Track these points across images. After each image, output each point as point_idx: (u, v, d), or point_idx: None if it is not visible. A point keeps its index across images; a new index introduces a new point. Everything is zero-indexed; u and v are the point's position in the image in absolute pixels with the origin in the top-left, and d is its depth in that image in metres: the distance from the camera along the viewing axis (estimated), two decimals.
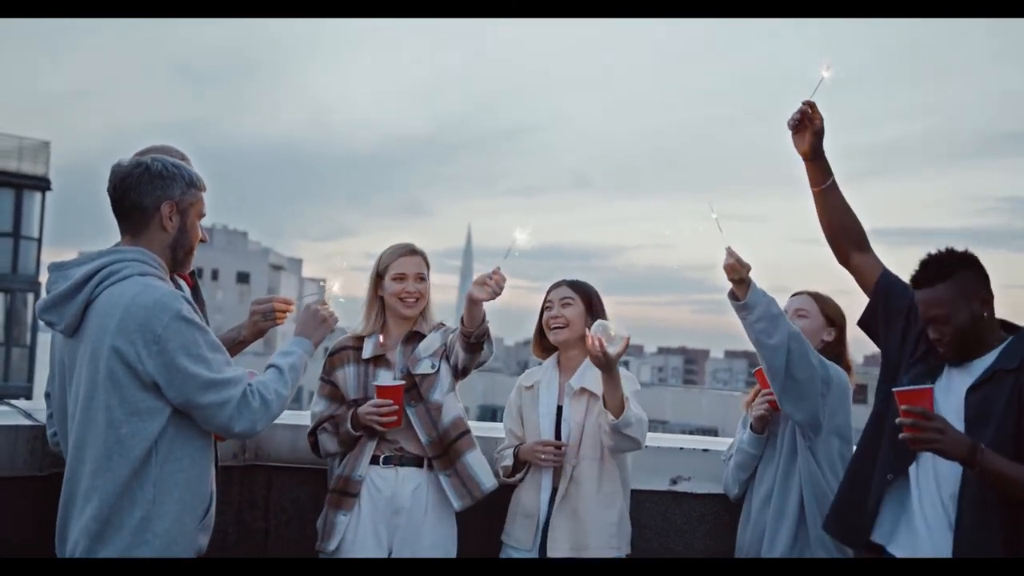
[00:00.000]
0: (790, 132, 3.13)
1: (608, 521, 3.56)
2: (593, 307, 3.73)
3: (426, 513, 3.56)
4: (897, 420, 2.71)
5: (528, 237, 3.38)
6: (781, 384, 3.30)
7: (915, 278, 2.91)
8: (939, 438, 2.65)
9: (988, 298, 2.89)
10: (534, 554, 3.60)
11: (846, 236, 3.17)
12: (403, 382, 3.54)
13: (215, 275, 66.20)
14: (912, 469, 2.93)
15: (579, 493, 3.56)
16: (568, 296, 3.71)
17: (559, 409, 3.68)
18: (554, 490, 3.62)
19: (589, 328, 3.48)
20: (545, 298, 3.78)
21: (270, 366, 2.80)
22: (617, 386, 3.40)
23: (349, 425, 3.54)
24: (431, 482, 3.58)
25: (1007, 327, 2.96)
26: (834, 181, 3.14)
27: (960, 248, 2.92)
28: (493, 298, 3.40)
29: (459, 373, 3.65)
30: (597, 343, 3.32)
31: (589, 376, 3.66)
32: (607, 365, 3.35)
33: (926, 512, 2.88)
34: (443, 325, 3.72)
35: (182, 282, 3.30)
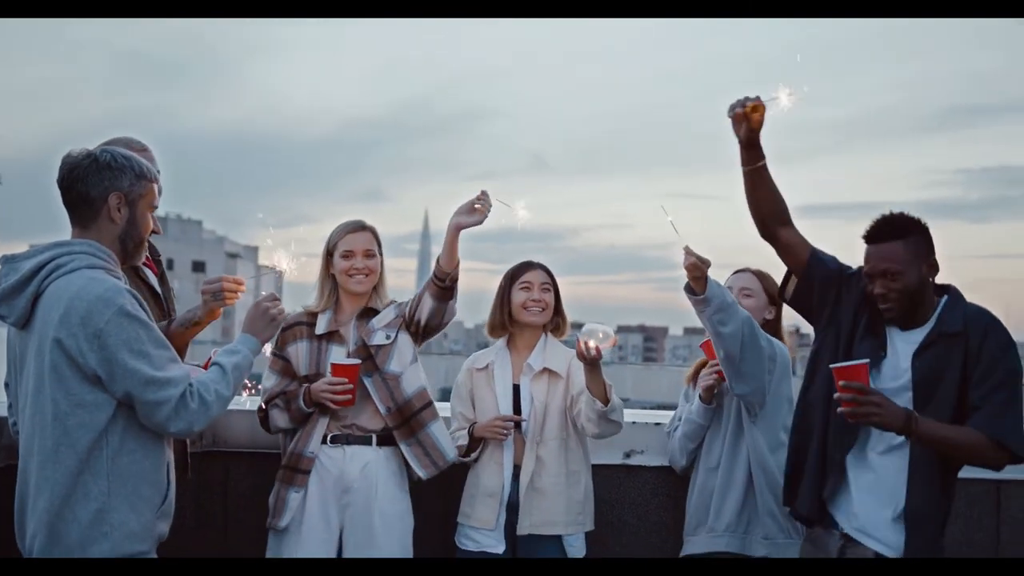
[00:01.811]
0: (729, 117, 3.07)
1: (575, 499, 3.63)
2: (559, 294, 3.80)
3: (377, 490, 3.54)
4: (836, 396, 2.80)
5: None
6: (736, 368, 3.36)
7: (870, 233, 2.96)
8: (877, 411, 2.76)
9: (934, 264, 2.99)
10: (498, 533, 3.63)
11: (773, 214, 3.16)
12: (359, 361, 3.52)
13: (170, 264, 64.70)
14: (862, 437, 3.03)
15: (545, 473, 3.61)
16: (547, 282, 3.77)
17: (515, 388, 3.73)
18: (515, 467, 3.66)
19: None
20: (519, 278, 3.77)
21: (214, 364, 2.79)
22: (600, 375, 3.44)
23: (301, 401, 3.53)
24: (382, 459, 3.58)
25: (937, 288, 3.06)
26: (765, 164, 3.10)
27: (914, 215, 3.00)
28: (482, 222, 3.41)
29: (424, 333, 3.62)
30: (593, 347, 3.32)
31: (550, 356, 3.71)
32: (595, 363, 3.38)
33: (879, 475, 2.97)
34: (394, 302, 3.72)
35: (148, 271, 3.30)
